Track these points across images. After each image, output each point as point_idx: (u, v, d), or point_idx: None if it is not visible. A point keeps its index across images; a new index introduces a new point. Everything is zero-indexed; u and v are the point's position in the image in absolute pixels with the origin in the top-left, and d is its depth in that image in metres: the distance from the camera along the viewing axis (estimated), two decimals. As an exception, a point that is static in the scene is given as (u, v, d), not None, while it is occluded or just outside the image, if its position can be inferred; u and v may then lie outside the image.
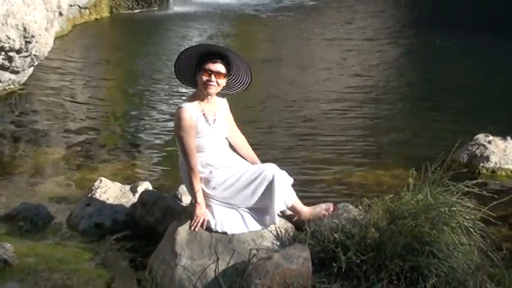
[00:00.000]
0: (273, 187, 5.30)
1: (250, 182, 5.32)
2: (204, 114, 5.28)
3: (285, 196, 5.44)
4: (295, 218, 5.62)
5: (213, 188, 5.29)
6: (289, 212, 5.62)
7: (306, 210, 5.59)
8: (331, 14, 16.45)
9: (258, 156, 5.71)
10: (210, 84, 5.20)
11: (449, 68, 11.77)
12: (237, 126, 5.73)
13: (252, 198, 5.33)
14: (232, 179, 5.32)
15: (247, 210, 5.34)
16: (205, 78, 5.19)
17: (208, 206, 5.27)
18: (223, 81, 5.28)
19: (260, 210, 5.38)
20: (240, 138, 5.73)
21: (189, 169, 5.19)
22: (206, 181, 5.28)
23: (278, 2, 17.27)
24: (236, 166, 5.43)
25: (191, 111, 5.19)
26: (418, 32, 14.54)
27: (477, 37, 13.61)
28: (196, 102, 5.28)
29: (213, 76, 5.19)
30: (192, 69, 5.33)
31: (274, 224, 5.40)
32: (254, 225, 5.33)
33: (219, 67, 5.22)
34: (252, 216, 5.35)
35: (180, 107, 5.21)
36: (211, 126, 5.29)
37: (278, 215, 5.44)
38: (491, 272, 4.91)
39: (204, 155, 5.26)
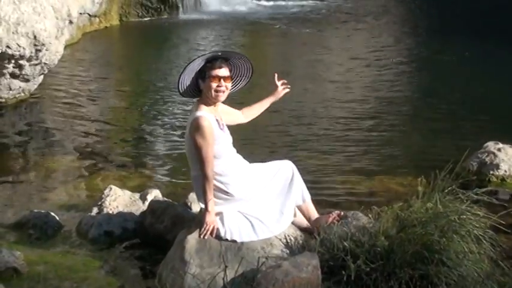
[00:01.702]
0: (292, 181, 5.49)
1: (270, 179, 5.47)
2: (216, 120, 5.29)
3: (302, 190, 5.60)
4: (305, 224, 5.69)
5: (235, 189, 5.32)
6: (299, 220, 5.68)
7: (317, 216, 5.67)
8: (343, 25, 16.33)
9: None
10: (221, 90, 5.21)
11: (460, 78, 11.76)
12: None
13: (273, 193, 5.46)
14: (253, 178, 5.42)
15: (257, 217, 5.36)
16: (214, 84, 5.18)
17: (218, 213, 5.29)
18: (230, 85, 5.31)
19: (273, 213, 5.44)
20: (243, 111, 5.82)
21: (205, 178, 5.17)
22: (226, 185, 5.30)
23: (290, 11, 17.09)
24: (252, 167, 5.53)
25: (209, 118, 5.18)
26: (431, 42, 14.47)
27: (489, 46, 13.57)
28: (208, 109, 5.27)
29: (222, 81, 5.20)
30: (194, 79, 5.32)
31: (285, 226, 5.47)
32: (264, 233, 5.33)
33: (225, 71, 5.25)
34: (262, 223, 5.37)
35: (197, 116, 5.16)
36: (223, 131, 5.31)
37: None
38: (501, 280, 4.91)
39: (221, 161, 5.26)
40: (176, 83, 5.33)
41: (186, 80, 5.30)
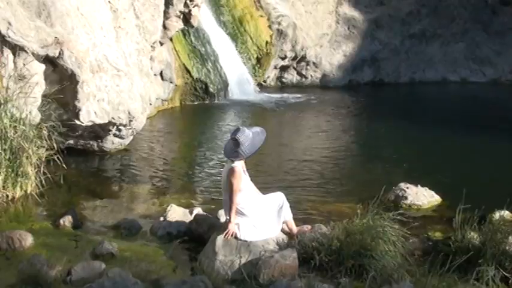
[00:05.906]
0: (283, 206, 5.52)
1: (270, 205, 5.49)
2: (242, 167, 5.36)
3: (288, 212, 5.62)
4: (288, 232, 5.68)
5: (248, 210, 5.34)
6: (285, 229, 5.68)
7: (295, 229, 5.68)
8: (320, 108, 15.52)
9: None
10: None
11: (387, 144, 11.53)
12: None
13: (270, 213, 5.46)
14: (260, 204, 5.45)
15: (261, 225, 5.35)
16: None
17: (236, 223, 5.31)
18: None
19: (270, 225, 5.43)
20: None
21: (232, 202, 5.25)
22: (243, 208, 5.32)
23: (288, 101, 16.56)
24: (260, 197, 5.57)
25: (240, 167, 5.30)
26: (379, 121, 13.55)
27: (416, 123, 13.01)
28: (239, 162, 5.36)
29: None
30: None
31: (277, 233, 5.49)
32: (264, 235, 5.38)
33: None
34: (264, 229, 5.38)
35: (234, 165, 5.27)
36: (246, 175, 5.38)
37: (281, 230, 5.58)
38: (408, 269, 4.90)
39: (243, 193, 5.32)
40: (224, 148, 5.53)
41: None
